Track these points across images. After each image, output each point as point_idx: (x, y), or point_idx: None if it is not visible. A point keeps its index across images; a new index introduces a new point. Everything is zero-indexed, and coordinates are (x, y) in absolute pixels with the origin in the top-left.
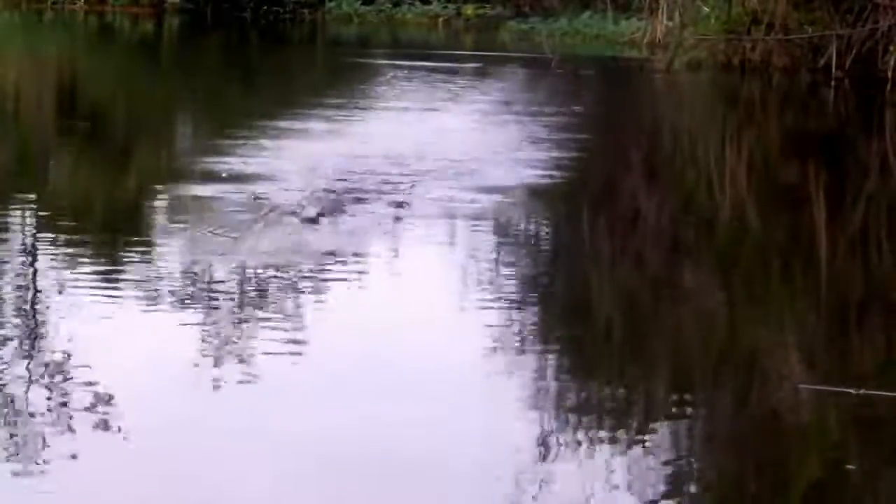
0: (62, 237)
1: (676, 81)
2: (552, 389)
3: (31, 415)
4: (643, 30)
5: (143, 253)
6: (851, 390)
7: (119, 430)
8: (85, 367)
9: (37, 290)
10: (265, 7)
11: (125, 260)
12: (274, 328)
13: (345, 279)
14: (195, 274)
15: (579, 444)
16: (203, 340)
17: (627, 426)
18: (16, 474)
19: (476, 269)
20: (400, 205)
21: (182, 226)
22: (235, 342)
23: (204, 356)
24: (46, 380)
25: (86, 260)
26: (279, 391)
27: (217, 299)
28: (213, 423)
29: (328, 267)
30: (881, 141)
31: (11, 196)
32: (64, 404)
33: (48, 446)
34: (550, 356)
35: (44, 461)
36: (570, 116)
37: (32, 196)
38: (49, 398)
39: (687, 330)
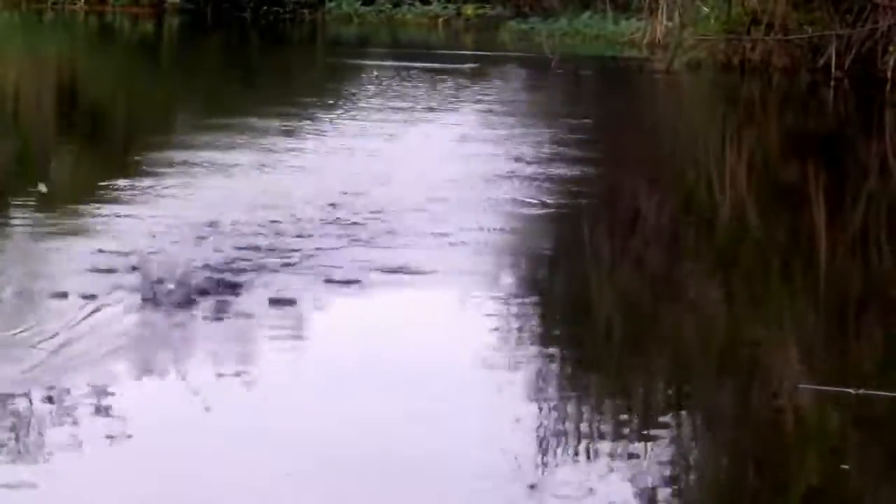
0: None
1: (677, 82)
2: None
3: None
4: (643, 30)
5: None
6: (851, 390)
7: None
8: None
9: None
10: (265, 7)
11: None
12: None
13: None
14: None
15: (579, 444)
16: None
17: (627, 426)
18: None
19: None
20: (279, 302)
21: None
22: None
23: None
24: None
25: None
26: None
27: None
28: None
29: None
30: (881, 141)
31: None
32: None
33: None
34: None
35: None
36: (567, 130)
37: None
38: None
39: (688, 330)
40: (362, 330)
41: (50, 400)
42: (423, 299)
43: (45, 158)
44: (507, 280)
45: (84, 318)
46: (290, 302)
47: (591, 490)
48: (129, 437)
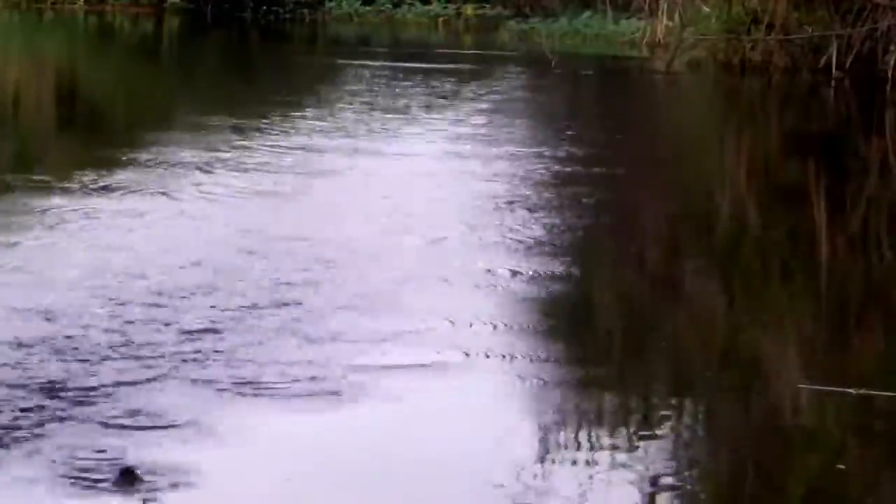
0: None
1: (677, 81)
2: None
3: None
4: (643, 30)
5: None
6: (851, 390)
7: None
8: None
9: None
10: (265, 7)
11: None
12: None
13: None
14: None
15: (579, 443)
16: None
17: (628, 426)
18: None
19: None
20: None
21: None
22: None
23: None
24: None
25: None
26: None
27: None
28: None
29: None
30: (881, 140)
31: None
32: None
33: None
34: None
35: None
36: (568, 141)
37: None
38: None
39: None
40: None
41: None
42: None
43: None
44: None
45: None
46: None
47: (589, 488)
48: None
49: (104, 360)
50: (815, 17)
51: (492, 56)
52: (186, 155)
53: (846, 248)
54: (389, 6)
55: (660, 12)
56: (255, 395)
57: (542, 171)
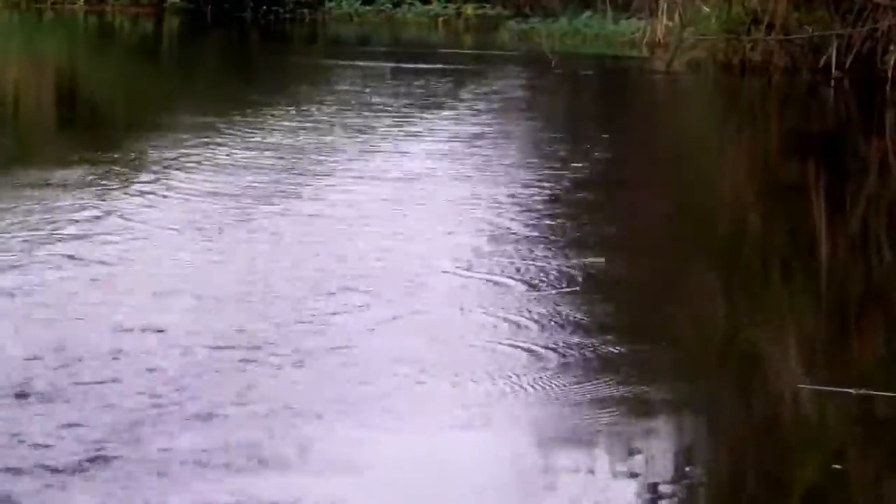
0: None
1: (677, 81)
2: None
3: None
4: (643, 30)
5: None
6: (851, 390)
7: None
8: None
9: None
10: (265, 7)
11: None
12: None
13: None
14: None
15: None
16: None
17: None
18: None
19: None
20: None
21: None
22: None
23: None
24: None
25: None
26: None
27: None
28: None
29: None
30: (881, 141)
31: None
32: None
33: None
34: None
35: None
36: (568, 141)
37: None
38: None
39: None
40: None
41: None
42: None
43: None
44: None
45: None
46: None
47: (589, 487)
48: None
49: None
50: (815, 17)
51: (492, 56)
52: (169, 154)
53: (846, 248)
54: (389, 6)
55: (660, 12)
56: None
57: (543, 171)
